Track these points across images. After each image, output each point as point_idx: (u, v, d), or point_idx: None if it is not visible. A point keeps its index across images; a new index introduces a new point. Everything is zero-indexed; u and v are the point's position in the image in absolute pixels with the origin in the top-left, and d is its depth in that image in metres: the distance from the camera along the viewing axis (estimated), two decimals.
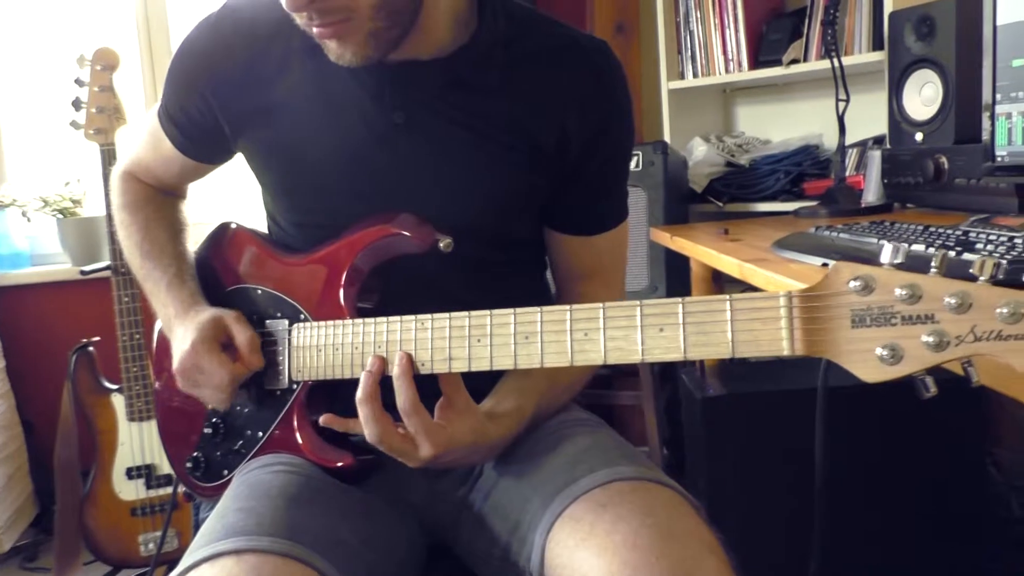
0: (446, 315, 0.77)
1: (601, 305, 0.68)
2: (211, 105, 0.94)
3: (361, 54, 0.81)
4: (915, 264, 0.58)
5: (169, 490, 1.99)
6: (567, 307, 0.70)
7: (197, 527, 1.04)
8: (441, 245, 0.84)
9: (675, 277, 2.06)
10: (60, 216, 2.42)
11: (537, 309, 0.72)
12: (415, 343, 0.78)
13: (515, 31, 0.90)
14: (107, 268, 1.99)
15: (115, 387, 1.99)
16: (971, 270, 0.55)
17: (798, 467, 1.52)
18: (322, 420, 0.85)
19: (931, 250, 1.00)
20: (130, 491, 1.98)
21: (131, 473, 1.98)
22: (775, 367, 1.95)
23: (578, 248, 0.99)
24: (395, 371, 0.78)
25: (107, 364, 2.02)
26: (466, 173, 0.90)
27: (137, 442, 1.97)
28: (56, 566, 1.99)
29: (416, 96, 0.89)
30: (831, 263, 1.09)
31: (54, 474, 2.03)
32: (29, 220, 2.44)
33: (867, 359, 0.58)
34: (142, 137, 1.06)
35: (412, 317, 0.79)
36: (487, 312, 0.74)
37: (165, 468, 1.99)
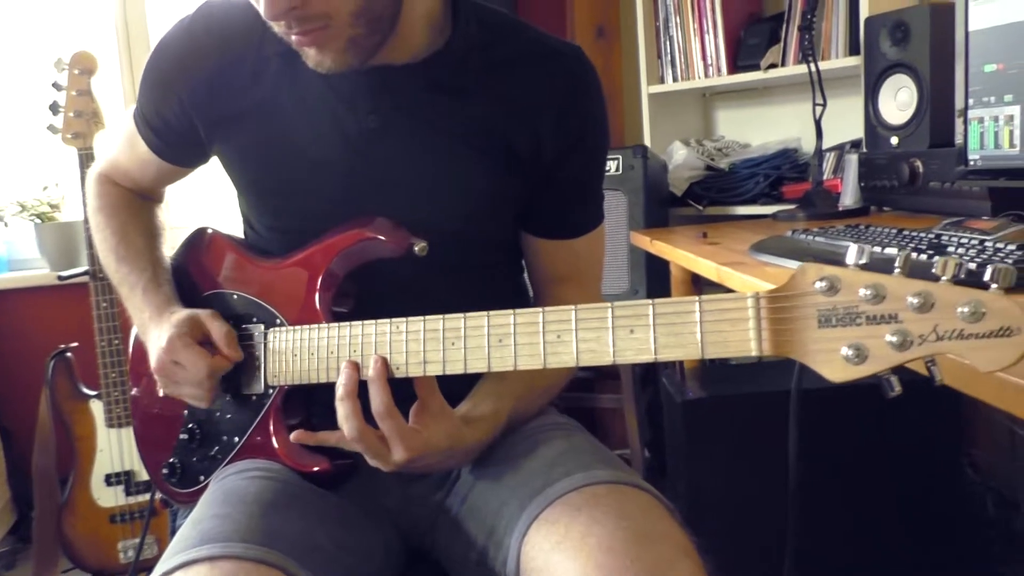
0: (420, 318, 0.77)
1: (573, 307, 0.69)
2: (185, 108, 0.93)
3: (340, 61, 0.81)
4: (879, 265, 0.59)
5: (148, 496, 1.97)
6: (539, 310, 0.71)
7: (174, 533, 1.03)
8: (416, 249, 0.85)
9: (655, 280, 2.07)
10: (38, 221, 2.40)
11: (510, 312, 0.72)
12: (390, 346, 0.78)
13: (490, 36, 0.91)
14: (85, 273, 1.98)
15: (93, 393, 1.97)
16: (933, 270, 0.55)
17: (778, 469, 1.53)
18: (293, 437, 0.85)
19: (895, 251, 1.01)
20: (109, 498, 1.96)
21: (110, 480, 1.96)
22: (754, 370, 1.97)
23: (554, 252, 0.99)
24: (370, 374, 0.78)
25: (85, 370, 2.00)
26: (441, 177, 0.91)
27: (116, 448, 1.96)
28: (34, 573, 1.97)
29: (390, 101, 0.89)
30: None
31: (32, 481, 2.01)
32: (6, 225, 2.42)
33: (833, 359, 0.59)
34: (118, 140, 1.05)
35: (387, 321, 0.79)
36: (461, 315, 0.75)
37: (144, 475, 1.97)
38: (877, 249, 1.02)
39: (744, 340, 0.61)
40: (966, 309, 0.53)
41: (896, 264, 0.57)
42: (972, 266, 0.55)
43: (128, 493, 1.97)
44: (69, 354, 1.98)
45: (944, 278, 0.55)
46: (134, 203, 1.06)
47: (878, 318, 0.57)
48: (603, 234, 1.03)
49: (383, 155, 0.89)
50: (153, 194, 1.09)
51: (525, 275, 1.05)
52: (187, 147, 0.98)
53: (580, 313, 0.68)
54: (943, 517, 1.59)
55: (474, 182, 0.91)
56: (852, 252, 0.59)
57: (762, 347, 0.61)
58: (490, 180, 0.92)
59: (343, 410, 0.78)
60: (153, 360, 0.90)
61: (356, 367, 0.79)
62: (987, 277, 0.53)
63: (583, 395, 2.32)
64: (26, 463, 2.12)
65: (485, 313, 0.73)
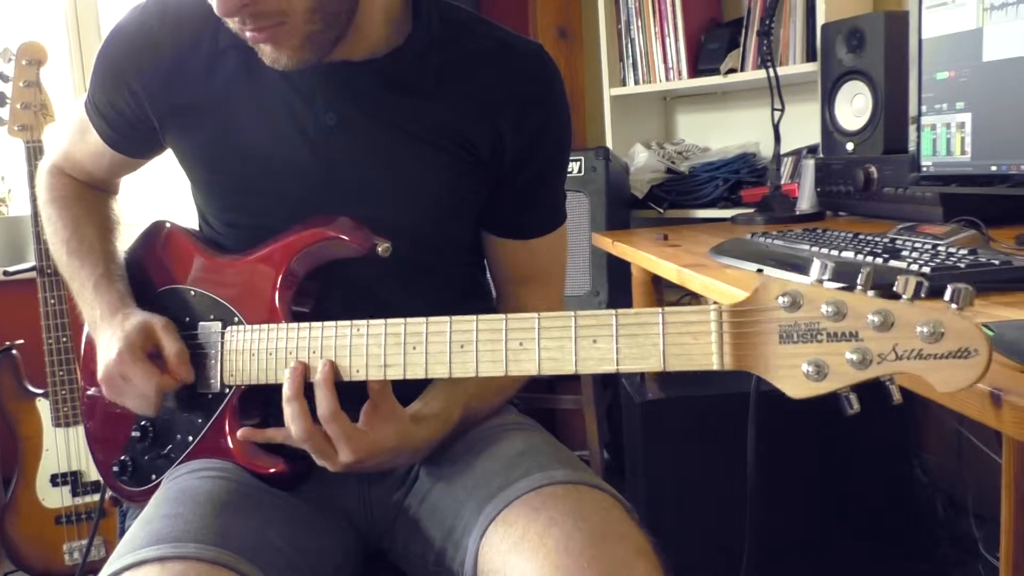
0: (382, 321, 0.76)
1: (536, 315, 0.68)
2: (139, 98, 0.91)
3: (296, 58, 0.80)
4: (842, 279, 0.59)
5: (96, 497, 1.92)
6: (503, 316, 0.70)
7: (123, 533, 1.01)
8: (379, 249, 0.83)
9: (617, 282, 2.07)
10: None
11: (473, 318, 0.71)
12: (350, 349, 0.77)
13: (450, 33, 0.90)
14: (32, 269, 1.92)
15: (40, 392, 1.92)
16: (895, 287, 0.56)
17: (733, 469, 1.55)
18: (240, 435, 0.84)
19: (860, 258, 1.02)
20: (55, 499, 1.91)
21: (56, 480, 1.91)
22: (712, 372, 1.98)
23: (514, 252, 0.98)
24: (316, 378, 0.77)
25: (32, 368, 1.94)
26: (399, 176, 0.89)
27: (63, 448, 1.90)
28: None
29: (348, 97, 0.87)
30: (765, 270, 1.12)
31: None
32: None
33: (793, 375, 0.59)
34: (70, 130, 1.02)
35: (348, 323, 0.77)
36: (423, 319, 0.74)
37: (92, 475, 1.92)
38: (848, 255, 1.03)
39: (706, 354, 0.61)
40: (925, 329, 0.54)
41: (859, 281, 0.57)
42: (928, 284, 0.55)
43: (75, 494, 1.92)
44: (15, 351, 1.93)
45: (905, 296, 0.55)
46: (87, 195, 1.03)
47: (839, 335, 0.57)
48: (565, 235, 1.02)
49: (341, 153, 0.88)
50: (107, 186, 1.06)
51: (487, 275, 1.04)
52: (140, 138, 0.96)
53: (543, 321, 0.68)
54: (893, 518, 1.63)
55: (433, 181, 0.90)
56: (816, 267, 0.59)
57: (724, 361, 0.61)
58: (450, 179, 0.91)
59: (290, 411, 0.78)
60: (100, 370, 0.88)
61: (304, 368, 0.79)
62: (947, 297, 0.53)
63: (543, 396, 2.32)
64: None
65: (448, 318, 0.72)
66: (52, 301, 1.88)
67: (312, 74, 0.85)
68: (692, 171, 2.29)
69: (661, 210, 2.26)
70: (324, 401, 0.76)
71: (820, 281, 0.59)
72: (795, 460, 1.56)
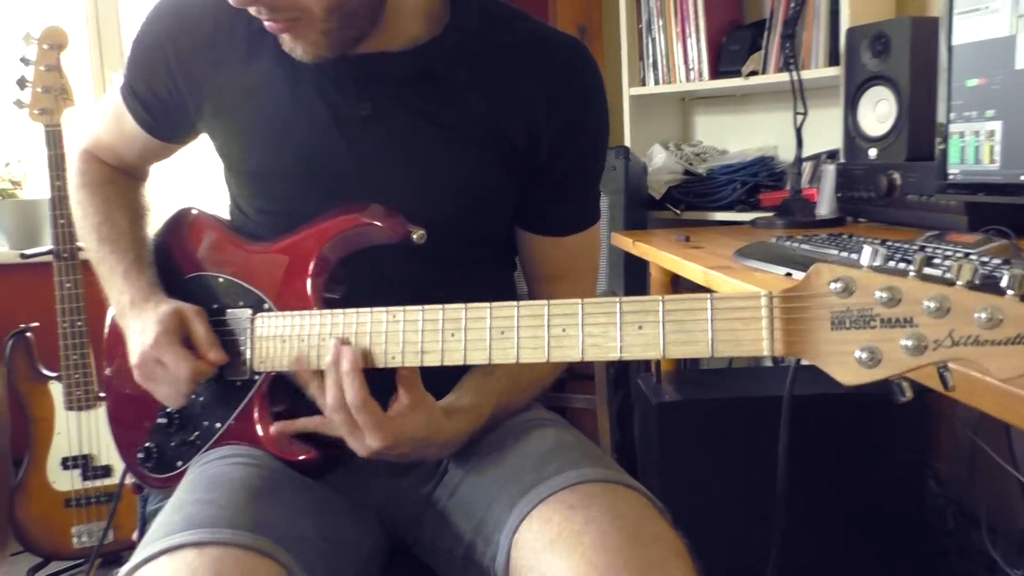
0: (419, 308, 0.75)
1: (579, 301, 0.68)
2: (175, 80, 0.91)
3: (312, 52, 0.80)
4: (894, 267, 0.58)
5: (106, 481, 1.93)
6: (544, 302, 0.69)
7: (144, 520, 1.01)
8: (414, 237, 0.83)
9: (633, 282, 2.07)
10: None
11: (514, 304, 0.71)
12: (385, 335, 0.76)
13: (488, 25, 0.89)
14: (48, 252, 1.92)
15: (53, 375, 1.92)
16: (948, 274, 0.55)
17: (749, 474, 1.54)
18: (273, 429, 0.83)
19: (892, 265, 1.02)
20: (65, 482, 1.91)
21: (67, 463, 1.91)
22: (727, 375, 1.98)
23: (549, 249, 0.98)
24: (344, 367, 0.76)
25: (46, 351, 1.94)
26: (432, 168, 0.89)
27: (75, 432, 1.90)
28: None
29: (383, 88, 0.87)
30: (793, 274, 1.12)
31: None
32: None
33: (846, 361, 0.58)
34: (104, 115, 1.02)
35: (383, 309, 0.77)
36: (462, 305, 0.73)
37: (103, 459, 1.93)
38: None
39: (756, 340, 0.61)
40: (983, 315, 0.53)
41: (911, 268, 0.57)
42: (987, 271, 0.55)
43: (85, 477, 1.92)
44: (29, 334, 1.93)
45: (960, 283, 0.55)
46: (118, 180, 1.03)
47: (893, 321, 0.57)
48: (598, 233, 1.02)
49: (375, 143, 0.88)
50: (138, 172, 1.06)
51: (515, 273, 1.04)
52: (175, 122, 0.95)
53: (587, 307, 0.67)
54: (904, 529, 1.62)
55: (466, 174, 0.90)
56: (867, 253, 0.58)
57: (774, 347, 0.60)
58: (482, 172, 0.90)
59: (330, 379, 0.77)
60: (134, 355, 0.87)
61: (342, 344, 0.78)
62: (1004, 283, 0.53)
63: (555, 394, 2.32)
64: None
65: (488, 304, 0.72)
66: (68, 285, 1.88)
67: (348, 64, 0.85)
68: (710, 173, 2.28)
69: (678, 211, 2.25)
70: (353, 389, 0.76)
71: (871, 268, 0.58)
72: (808, 467, 1.55)
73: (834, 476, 1.58)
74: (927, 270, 0.57)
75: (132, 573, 0.68)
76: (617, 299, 0.66)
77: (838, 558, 1.59)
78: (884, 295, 0.57)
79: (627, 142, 2.42)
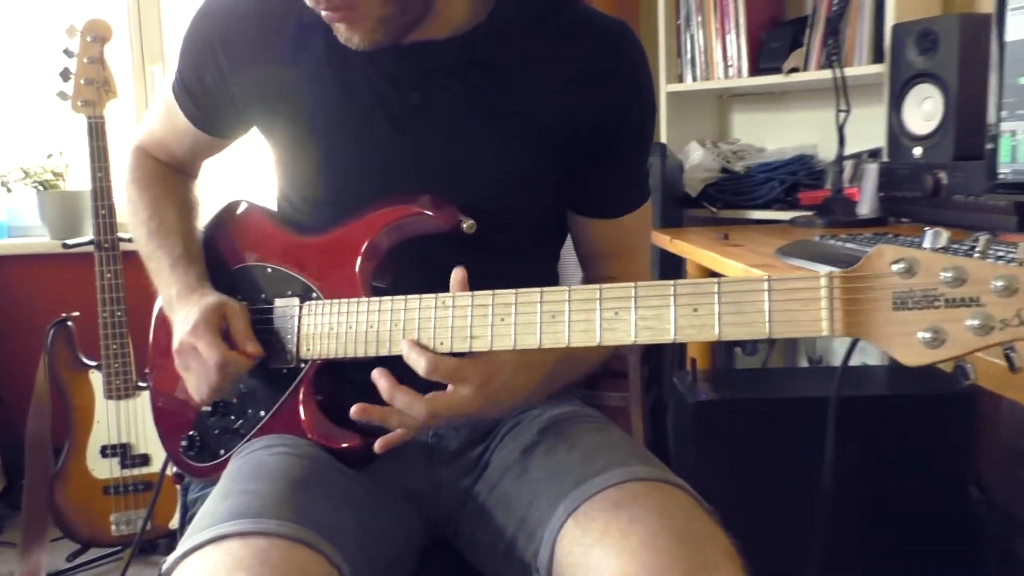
0: (468, 294, 0.75)
1: (633, 284, 0.67)
2: (225, 75, 0.92)
3: (369, 39, 0.80)
4: (957, 250, 0.57)
5: (144, 470, 1.95)
6: (596, 286, 0.69)
7: (185, 508, 1.02)
8: (464, 226, 0.83)
9: (668, 279, 2.05)
10: (40, 188, 2.36)
11: (565, 288, 0.70)
12: (434, 321, 0.76)
13: (532, 9, 0.89)
14: (90, 243, 1.95)
15: (94, 364, 1.95)
16: (1015, 255, 0.54)
17: (788, 476, 1.52)
18: (353, 413, 0.80)
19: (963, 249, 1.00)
20: (104, 469, 1.94)
21: (106, 451, 1.94)
22: (766, 375, 1.96)
23: (603, 230, 0.98)
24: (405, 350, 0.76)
25: (86, 340, 1.97)
26: (481, 156, 0.89)
27: (114, 420, 1.93)
28: (22, 541, 1.94)
29: (433, 76, 0.87)
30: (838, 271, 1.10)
31: (24, 449, 1.98)
32: (9, 191, 2.38)
33: (909, 342, 0.57)
34: (156, 111, 1.04)
35: (432, 296, 0.77)
36: (512, 291, 0.73)
37: (141, 447, 1.95)
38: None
39: (815, 320, 0.60)
40: None
41: (977, 248, 0.56)
42: None
43: (123, 466, 1.95)
44: (70, 323, 1.96)
45: None
46: (168, 176, 1.04)
47: (958, 301, 0.56)
48: (650, 211, 1.01)
49: (425, 132, 0.88)
50: (188, 168, 1.07)
51: (558, 264, 1.04)
52: (224, 116, 0.96)
53: (640, 290, 0.67)
54: (945, 533, 1.59)
55: (515, 161, 0.90)
56: (929, 236, 0.57)
57: (834, 327, 0.59)
58: (531, 159, 0.90)
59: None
60: (175, 341, 0.88)
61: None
62: None
63: (588, 392, 2.30)
64: (18, 430, 2.09)
65: (539, 289, 0.72)
66: (108, 275, 1.91)
67: (397, 54, 0.85)
68: (748, 171, 2.26)
69: (715, 209, 2.23)
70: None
71: (934, 249, 0.57)
72: (847, 469, 1.53)
73: (873, 479, 1.56)
74: (992, 251, 0.56)
75: (178, 563, 0.68)
76: (671, 282, 0.66)
77: (877, 561, 1.56)
78: (949, 275, 0.56)
79: (664, 139, 2.40)
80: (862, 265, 0.60)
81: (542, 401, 0.91)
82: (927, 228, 0.60)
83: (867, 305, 0.59)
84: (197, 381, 0.88)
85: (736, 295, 0.63)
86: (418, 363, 0.76)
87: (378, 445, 0.80)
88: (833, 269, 0.70)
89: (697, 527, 0.71)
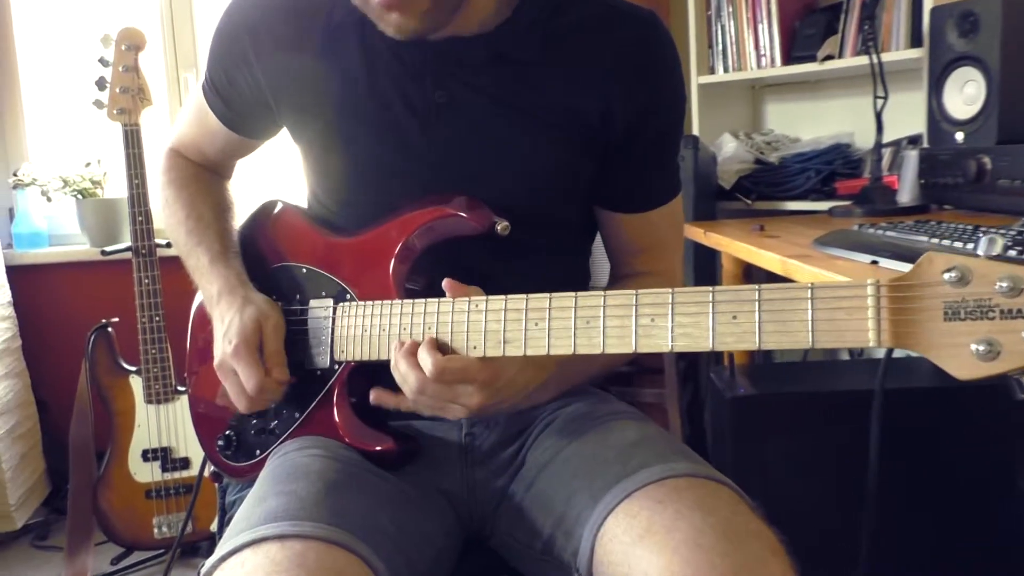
0: (501, 297, 0.74)
1: (670, 290, 0.66)
2: (255, 73, 0.92)
3: (425, 22, 0.79)
4: (1014, 257, 0.55)
5: (184, 473, 1.97)
6: (632, 291, 0.68)
7: (223, 510, 1.02)
8: (498, 228, 0.82)
9: (702, 274, 2.03)
10: (79, 197, 2.40)
11: (600, 293, 0.69)
12: (467, 324, 0.75)
13: (558, 3, 0.88)
14: (128, 249, 1.98)
15: (133, 368, 1.97)
16: None
17: (828, 471, 1.49)
18: (373, 398, 0.82)
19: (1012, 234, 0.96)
20: (145, 473, 1.96)
21: (147, 455, 1.96)
22: (805, 369, 1.92)
23: (634, 225, 0.96)
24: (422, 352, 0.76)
25: (125, 346, 2.00)
26: (509, 154, 0.88)
27: (154, 424, 1.95)
28: (68, 545, 1.98)
29: (459, 75, 0.87)
30: (880, 261, 1.07)
31: (68, 453, 2.02)
32: (49, 200, 2.43)
33: (960, 354, 0.55)
34: (188, 112, 1.05)
35: (465, 299, 0.76)
36: (546, 295, 0.72)
37: (181, 451, 1.97)
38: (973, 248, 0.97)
39: (862, 331, 0.58)
40: None
41: None
42: None
43: (164, 469, 1.97)
44: (110, 329, 1.98)
45: None
46: (203, 177, 1.05)
47: (1014, 312, 0.53)
48: (681, 204, 1.00)
49: (450, 130, 0.87)
50: (221, 169, 1.08)
51: (589, 261, 1.02)
52: (254, 116, 0.97)
53: (678, 296, 0.65)
54: (990, 530, 1.54)
55: (543, 158, 0.89)
56: (983, 242, 0.55)
57: (881, 338, 0.57)
58: (559, 156, 0.89)
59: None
60: (217, 356, 0.88)
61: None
62: None
63: (623, 389, 2.29)
64: (62, 436, 2.13)
65: (573, 294, 0.70)
66: (146, 281, 1.93)
67: (423, 52, 0.85)
68: (782, 162, 2.22)
69: (749, 201, 2.19)
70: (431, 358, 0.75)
71: (988, 257, 0.55)
72: (889, 464, 1.49)
73: (915, 474, 1.52)
74: None
75: (217, 566, 0.68)
76: (709, 288, 0.64)
77: (921, 558, 1.52)
78: (1005, 285, 0.53)
79: (696, 131, 2.37)
80: (911, 273, 0.58)
81: (556, 396, 0.90)
82: (981, 233, 0.58)
83: (916, 315, 0.57)
84: (236, 399, 0.89)
85: (777, 303, 0.61)
86: (426, 364, 0.75)
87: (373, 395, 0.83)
88: (877, 260, 0.68)
89: (742, 523, 0.70)
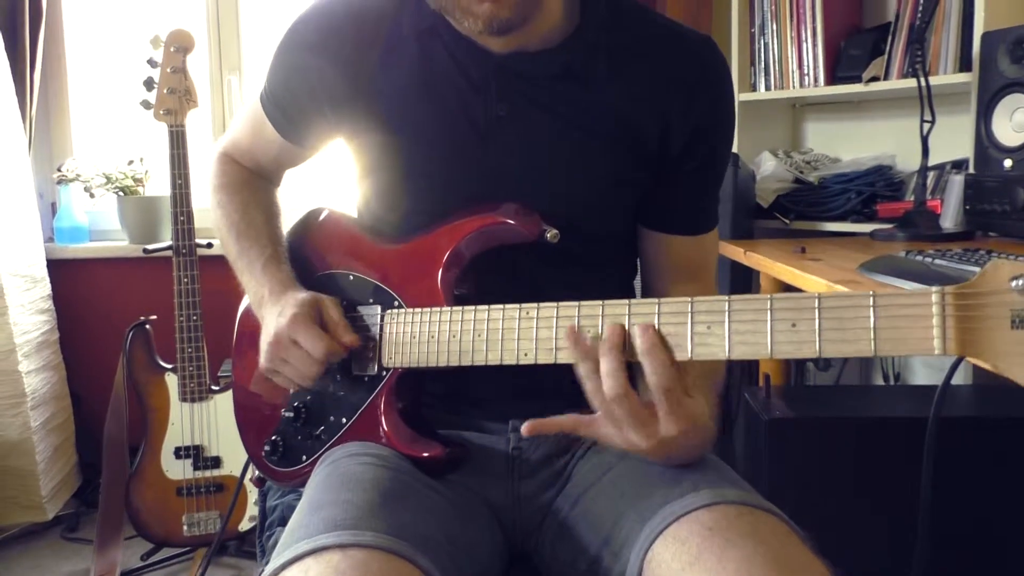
0: (553, 304, 0.74)
1: (727, 297, 0.65)
2: (316, 88, 0.93)
3: (516, 12, 0.80)
4: None
5: (215, 472, 1.99)
6: (687, 298, 0.67)
7: (264, 513, 1.02)
8: (548, 236, 0.82)
9: (739, 292, 2.01)
10: (121, 194, 2.44)
11: (654, 300, 0.69)
12: (518, 332, 0.75)
13: (618, 20, 0.90)
14: (168, 248, 2.00)
15: (169, 366, 1.99)
16: None
17: (867, 497, 1.47)
18: (525, 429, 0.76)
19: None
20: (177, 471, 1.98)
21: (179, 453, 1.98)
22: (840, 392, 1.90)
23: (676, 248, 0.97)
24: (604, 347, 0.70)
25: (162, 343, 2.02)
26: (565, 168, 0.89)
27: (188, 422, 1.97)
28: (98, 539, 2.00)
29: (521, 88, 0.88)
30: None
31: (101, 447, 2.04)
32: (92, 196, 2.46)
33: None
34: (243, 119, 1.06)
35: (516, 306, 0.76)
36: (599, 302, 0.72)
37: (213, 450, 1.99)
38: None
39: (926, 339, 0.57)
40: None
41: None
42: None
43: (196, 467, 1.98)
44: (148, 326, 2.00)
45: None
46: (254, 182, 1.06)
47: None
48: (717, 236, 1.01)
49: (510, 143, 0.88)
50: (272, 176, 1.09)
51: (635, 277, 1.02)
52: (312, 129, 0.98)
53: (735, 303, 0.65)
54: None
55: (599, 173, 0.90)
56: None
57: (947, 347, 0.57)
58: (615, 171, 0.90)
59: (607, 363, 0.70)
60: (270, 334, 0.88)
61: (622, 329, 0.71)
62: None
63: None
64: (94, 430, 2.16)
65: (626, 300, 0.70)
66: (185, 280, 1.95)
67: (486, 64, 0.87)
68: (822, 182, 2.20)
69: (787, 221, 2.18)
70: (614, 376, 0.70)
71: None
72: (935, 492, 1.47)
73: (964, 504, 1.49)
74: None
75: (278, 574, 0.68)
76: (767, 296, 0.64)
77: None
78: None
79: (735, 148, 2.35)
80: (977, 281, 0.57)
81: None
82: None
83: (982, 323, 0.56)
84: (294, 372, 0.88)
85: (838, 311, 0.61)
86: (608, 378, 0.70)
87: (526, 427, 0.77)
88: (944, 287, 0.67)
89: (794, 554, 0.69)
